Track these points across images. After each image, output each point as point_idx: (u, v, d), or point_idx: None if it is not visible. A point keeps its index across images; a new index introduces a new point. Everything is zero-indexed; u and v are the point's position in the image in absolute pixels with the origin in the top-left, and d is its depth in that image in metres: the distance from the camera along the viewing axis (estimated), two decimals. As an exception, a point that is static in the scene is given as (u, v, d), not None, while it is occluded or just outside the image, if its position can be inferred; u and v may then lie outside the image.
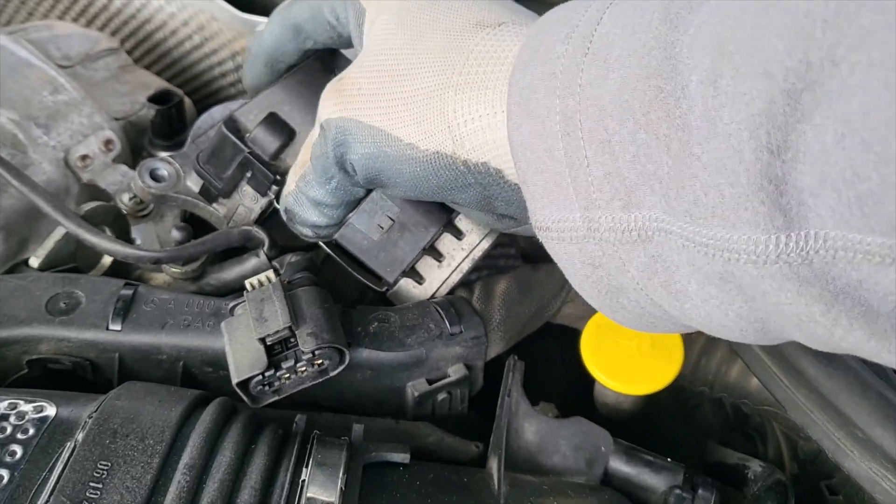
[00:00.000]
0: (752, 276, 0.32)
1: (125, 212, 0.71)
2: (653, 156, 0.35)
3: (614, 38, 0.37)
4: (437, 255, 0.62)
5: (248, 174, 0.63)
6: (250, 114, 0.63)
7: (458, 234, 0.62)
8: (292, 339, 0.51)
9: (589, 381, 0.67)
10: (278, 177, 0.62)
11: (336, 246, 0.60)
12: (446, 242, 0.62)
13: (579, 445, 0.56)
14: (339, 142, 0.52)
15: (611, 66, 0.36)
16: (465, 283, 0.65)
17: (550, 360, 0.72)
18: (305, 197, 0.57)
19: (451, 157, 0.47)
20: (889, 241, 0.28)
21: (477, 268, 0.64)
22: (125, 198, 0.72)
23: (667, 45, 0.34)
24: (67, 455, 0.45)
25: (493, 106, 0.45)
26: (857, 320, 0.31)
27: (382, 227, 0.58)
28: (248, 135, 0.62)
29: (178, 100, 0.80)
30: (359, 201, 0.58)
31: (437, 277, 0.62)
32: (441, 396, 0.59)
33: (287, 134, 0.62)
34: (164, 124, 0.79)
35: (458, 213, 0.62)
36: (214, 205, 0.66)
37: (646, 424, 0.66)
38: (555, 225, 0.41)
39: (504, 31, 0.47)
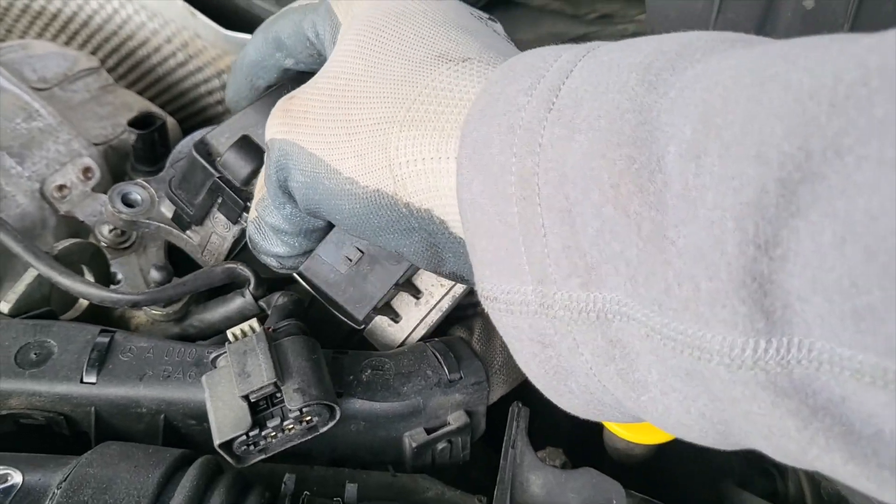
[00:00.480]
0: (722, 379, 0.29)
1: (105, 245, 0.68)
2: (620, 234, 0.31)
3: (584, 94, 0.33)
4: (415, 292, 0.57)
5: (219, 200, 0.59)
6: (222, 136, 0.59)
7: None
8: (278, 395, 0.48)
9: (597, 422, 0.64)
10: (248, 203, 0.57)
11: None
12: (424, 278, 0.57)
13: (589, 500, 0.52)
14: (281, 165, 0.47)
15: (577, 126, 0.33)
16: (464, 319, 0.61)
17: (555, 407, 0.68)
18: (265, 223, 0.52)
19: (391, 197, 0.43)
20: (884, 363, 0.25)
21: (474, 303, 0.60)
22: (105, 230, 0.69)
23: (643, 108, 0.30)
24: (34, 533, 0.41)
25: (440, 150, 0.40)
26: (836, 440, 0.27)
27: (350, 260, 0.53)
28: (219, 159, 0.58)
29: (160, 123, 0.75)
30: (324, 231, 0.53)
31: (415, 316, 0.58)
32: (441, 446, 0.55)
33: (259, 158, 0.57)
34: (146, 149, 0.75)
35: None
36: (188, 232, 0.62)
37: (658, 465, 0.62)
38: (503, 296, 0.36)
39: (467, 67, 0.42)
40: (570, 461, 0.55)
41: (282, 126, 0.47)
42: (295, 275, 0.55)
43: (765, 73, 0.27)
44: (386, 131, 0.42)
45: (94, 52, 0.93)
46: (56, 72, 0.81)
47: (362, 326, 0.56)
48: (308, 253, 0.54)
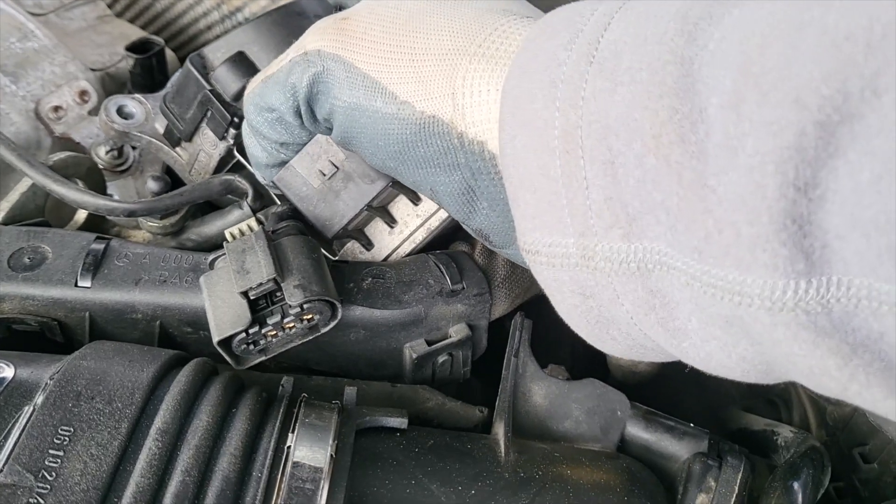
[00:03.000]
0: (763, 322, 0.29)
1: (102, 167, 0.66)
2: (661, 183, 0.31)
3: (623, 46, 0.33)
4: (390, 220, 0.55)
5: (208, 114, 0.58)
6: (218, 51, 0.58)
7: (415, 199, 0.55)
8: (278, 293, 0.47)
9: (601, 360, 0.63)
10: (236, 119, 0.57)
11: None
12: (401, 206, 0.55)
13: (593, 409, 0.51)
14: (322, 80, 0.46)
15: (619, 78, 0.33)
16: (465, 234, 0.59)
17: (558, 320, 0.67)
18: (248, 124, 0.51)
19: (447, 124, 0.43)
20: None
21: None
22: (101, 151, 0.67)
23: (683, 61, 0.31)
24: (25, 420, 0.40)
25: None
26: (876, 376, 0.28)
27: (325, 174, 0.52)
28: (212, 73, 0.57)
29: (158, 48, 0.74)
30: (300, 147, 0.52)
31: (388, 244, 0.56)
32: (442, 358, 0.54)
33: (252, 75, 0.55)
34: (144, 75, 0.74)
35: None
36: (177, 149, 0.62)
37: (662, 390, 0.62)
38: (545, 249, 0.37)
39: (531, 21, 0.43)
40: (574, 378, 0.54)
41: (334, 42, 0.46)
42: (269, 182, 0.55)
43: (801, 18, 0.27)
44: (454, 61, 0.42)
45: (91, -15, 0.91)
46: (52, -1, 0.79)
47: (335, 256, 0.55)
48: (283, 164, 0.53)
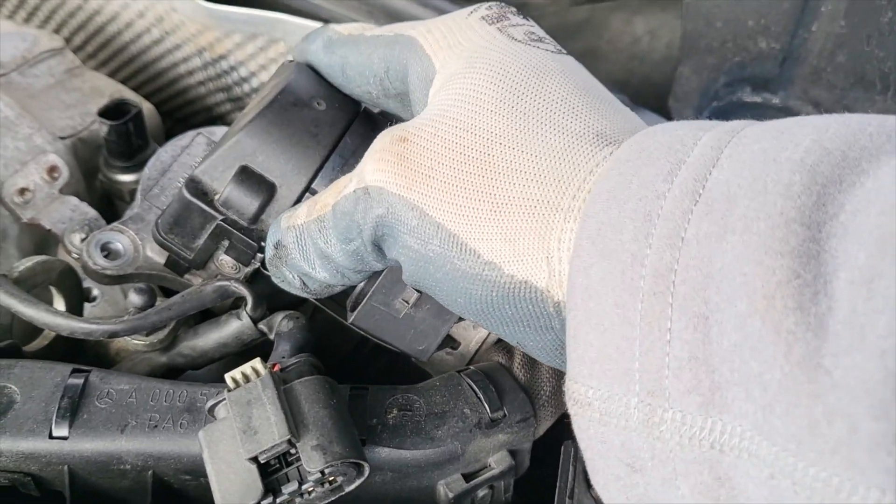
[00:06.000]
0: None
1: (76, 256, 0.58)
2: (763, 353, 0.27)
3: (738, 190, 0.30)
4: None
5: (225, 243, 0.50)
6: (215, 171, 0.48)
7: None
8: (293, 451, 0.39)
9: None
10: (262, 243, 0.48)
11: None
12: None
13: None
14: (387, 224, 0.39)
15: (731, 225, 0.29)
16: (500, 341, 0.52)
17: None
18: (312, 242, 0.43)
19: (541, 292, 0.36)
20: None
21: None
22: (76, 239, 0.59)
23: (811, 225, 0.27)
24: None
25: None
26: None
27: (408, 302, 0.45)
28: (217, 196, 0.48)
29: (135, 111, 0.66)
30: (377, 273, 0.45)
31: (475, 339, 0.51)
32: (482, 493, 0.47)
33: (266, 190, 0.48)
34: (121, 142, 0.66)
35: None
36: (187, 276, 0.53)
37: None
38: (599, 403, 0.32)
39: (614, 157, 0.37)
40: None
41: (396, 177, 0.38)
42: (349, 324, 0.47)
43: None
44: (547, 218, 0.36)
45: (58, 29, 0.83)
46: (13, 54, 0.71)
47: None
48: (337, 286, 0.46)
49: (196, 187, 0.48)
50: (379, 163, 0.39)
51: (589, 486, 0.46)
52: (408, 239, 0.38)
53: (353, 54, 0.48)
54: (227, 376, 0.41)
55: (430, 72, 0.42)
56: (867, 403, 0.24)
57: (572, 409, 0.34)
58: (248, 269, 0.50)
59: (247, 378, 0.41)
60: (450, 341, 0.51)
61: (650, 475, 0.31)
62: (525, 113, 0.38)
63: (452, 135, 0.38)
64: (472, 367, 0.49)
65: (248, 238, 0.48)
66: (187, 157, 0.61)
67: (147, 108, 0.73)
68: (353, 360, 0.62)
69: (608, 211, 0.33)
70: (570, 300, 0.33)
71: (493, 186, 0.36)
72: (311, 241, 0.43)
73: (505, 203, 0.36)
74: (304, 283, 0.45)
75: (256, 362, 0.42)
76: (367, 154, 0.40)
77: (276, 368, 0.43)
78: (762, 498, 0.27)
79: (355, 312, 0.46)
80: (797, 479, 0.26)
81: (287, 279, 0.45)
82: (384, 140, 0.40)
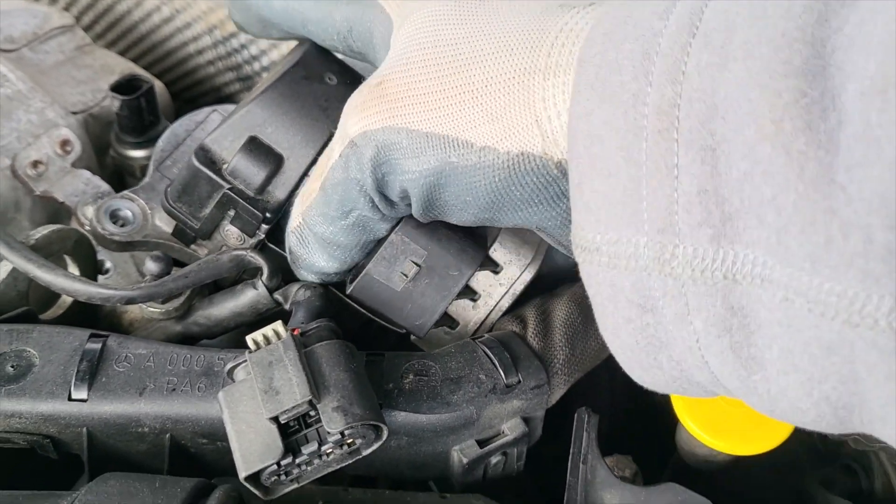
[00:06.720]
0: (883, 349, 0.25)
1: (89, 229, 0.59)
2: (775, 176, 0.27)
3: (736, 18, 0.29)
4: (472, 294, 0.51)
5: (231, 212, 0.51)
6: (225, 140, 0.49)
7: (495, 268, 0.51)
8: (313, 413, 0.40)
9: (642, 408, 0.56)
10: (268, 214, 0.49)
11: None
12: (481, 279, 0.51)
13: (675, 521, 0.44)
14: (382, 161, 0.40)
15: (731, 53, 0.28)
16: (514, 309, 0.53)
17: (597, 385, 0.60)
18: (313, 235, 0.46)
19: (539, 158, 0.37)
20: None
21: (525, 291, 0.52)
22: (88, 211, 0.59)
23: (815, 41, 0.27)
24: None
25: None
26: None
27: (406, 276, 0.47)
28: (225, 166, 0.49)
29: (146, 87, 0.66)
30: (377, 242, 0.47)
31: (473, 319, 0.52)
32: (495, 459, 0.47)
33: (274, 161, 0.49)
34: (133, 117, 0.66)
35: (494, 244, 0.51)
36: (193, 246, 0.54)
37: (735, 472, 0.55)
38: (607, 247, 0.32)
39: (597, 9, 0.37)
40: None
41: (377, 114, 0.40)
42: (346, 296, 0.49)
43: None
44: (526, 83, 0.37)
45: (66, 8, 0.83)
46: (24, 30, 0.71)
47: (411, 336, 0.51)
48: (350, 269, 0.48)
49: (205, 156, 0.49)
50: (359, 109, 0.40)
51: (603, 453, 0.47)
52: (404, 163, 0.39)
53: (312, 10, 0.48)
54: (249, 338, 0.42)
55: (388, 28, 0.44)
56: (883, 214, 0.24)
57: (580, 257, 0.34)
58: (253, 241, 0.51)
59: (268, 340, 0.41)
60: (448, 320, 0.51)
61: (662, 313, 0.31)
62: (485, 14, 0.39)
63: (418, 54, 0.40)
64: (486, 335, 0.49)
65: (254, 208, 0.49)
66: (201, 133, 0.62)
67: (158, 85, 0.73)
68: (362, 339, 0.62)
69: (605, 54, 0.32)
70: (571, 149, 0.34)
71: (467, 77, 0.38)
72: (311, 235, 0.46)
73: (483, 86, 0.37)
74: (323, 279, 0.49)
75: (278, 325, 0.42)
76: (344, 114, 0.42)
77: (297, 332, 0.43)
78: (775, 322, 0.28)
79: (353, 284, 0.47)
80: (811, 297, 0.26)
81: (306, 278, 0.49)
82: (362, 91, 0.41)
